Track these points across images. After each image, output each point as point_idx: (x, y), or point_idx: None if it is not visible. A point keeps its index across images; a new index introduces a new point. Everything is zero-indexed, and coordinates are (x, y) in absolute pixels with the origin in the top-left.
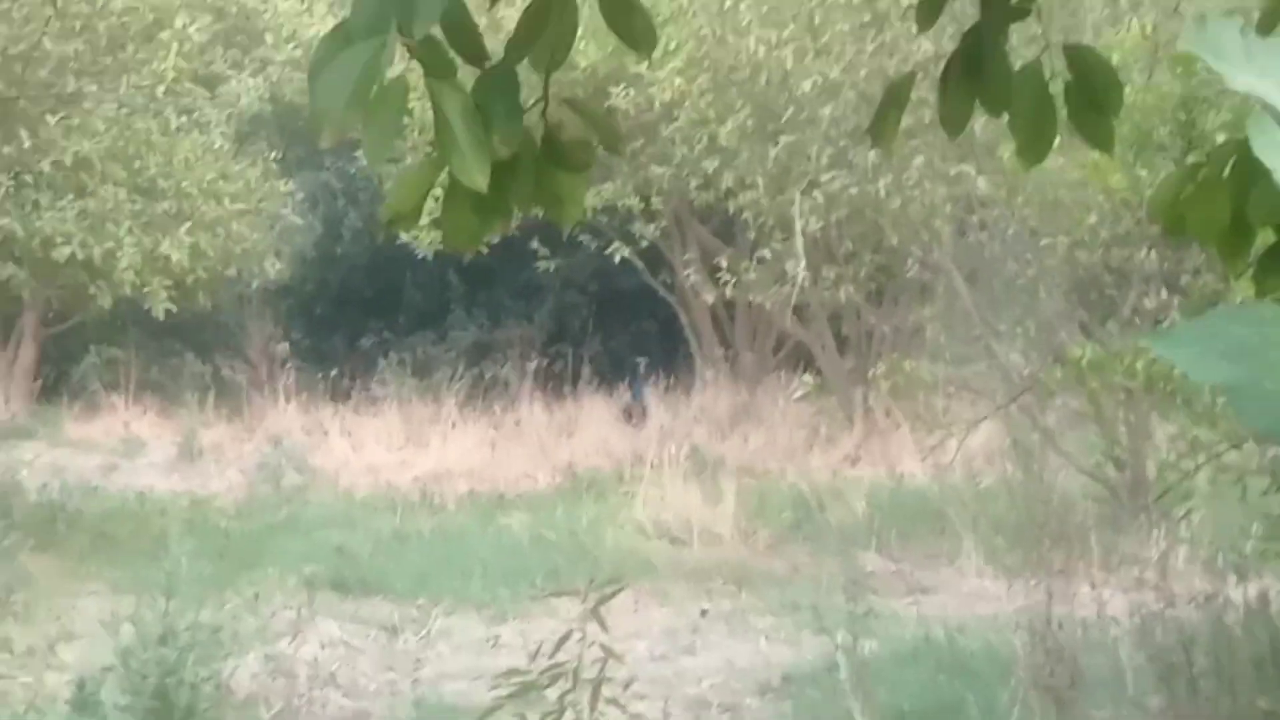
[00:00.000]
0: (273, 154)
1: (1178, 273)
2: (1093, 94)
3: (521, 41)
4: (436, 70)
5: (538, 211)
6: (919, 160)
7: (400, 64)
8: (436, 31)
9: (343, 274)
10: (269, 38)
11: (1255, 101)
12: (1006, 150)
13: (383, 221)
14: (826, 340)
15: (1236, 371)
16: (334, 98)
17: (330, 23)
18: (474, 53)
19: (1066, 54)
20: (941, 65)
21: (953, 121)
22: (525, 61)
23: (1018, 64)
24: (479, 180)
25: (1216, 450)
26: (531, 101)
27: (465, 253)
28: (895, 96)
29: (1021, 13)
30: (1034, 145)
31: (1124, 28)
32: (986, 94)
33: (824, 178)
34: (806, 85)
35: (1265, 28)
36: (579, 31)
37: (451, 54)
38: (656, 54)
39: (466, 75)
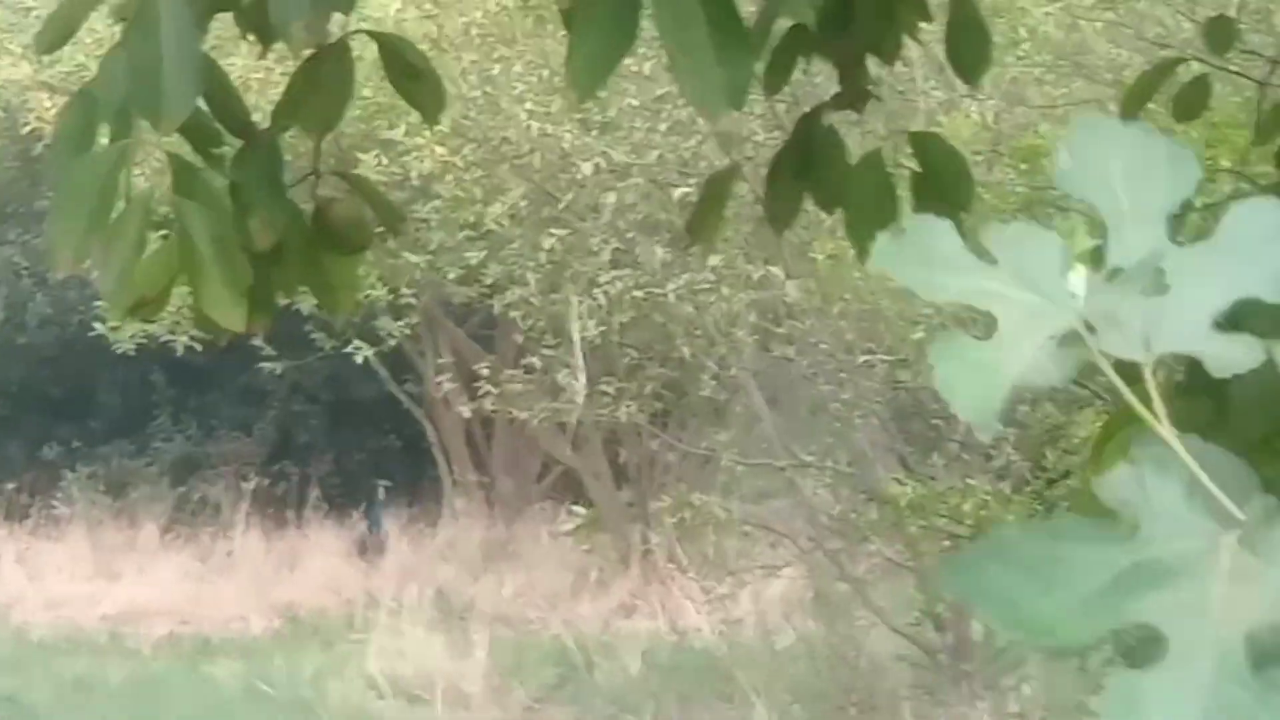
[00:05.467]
0: None
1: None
2: (942, 187)
3: (290, 105)
4: (198, 145)
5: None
6: (717, 259)
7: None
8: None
9: (24, 369)
10: None
11: (966, 312)
12: (821, 250)
13: (120, 310)
14: (601, 467)
15: (1013, 589)
16: (72, 221)
17: (25, 68)
18: (240, 124)
19: (913, 142)
20: (743, 148)
21: (779, 216)
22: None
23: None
24: (234, 320)
25: None
26: (299, 177)
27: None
28: (717, 191)
29: (865, 96)
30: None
31: (961, 115)
32: (820, 187)
33: (605, 276)
34: (588, 167)
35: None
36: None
37: (216, 126)
38: (413, 118)
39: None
